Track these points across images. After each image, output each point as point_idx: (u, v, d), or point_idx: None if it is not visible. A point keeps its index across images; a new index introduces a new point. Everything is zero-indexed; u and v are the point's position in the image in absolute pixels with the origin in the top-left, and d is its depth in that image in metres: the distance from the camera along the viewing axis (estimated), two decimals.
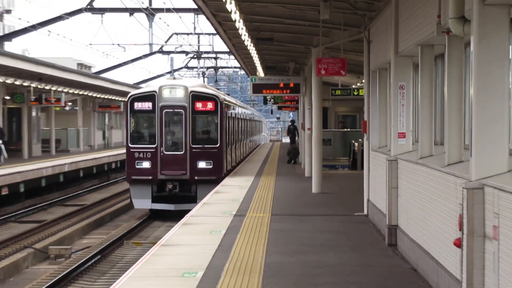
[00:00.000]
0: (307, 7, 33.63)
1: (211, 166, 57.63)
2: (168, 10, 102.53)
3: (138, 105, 56.47)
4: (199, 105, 57.85)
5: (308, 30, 40.53)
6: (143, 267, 22.53)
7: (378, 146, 31.96)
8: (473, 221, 15.08)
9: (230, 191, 47.17)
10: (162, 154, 56.31)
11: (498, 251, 14.15)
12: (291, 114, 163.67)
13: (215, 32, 64.83)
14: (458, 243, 15.68)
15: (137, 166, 56.12)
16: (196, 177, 56.72)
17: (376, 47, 32.00)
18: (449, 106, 18.94)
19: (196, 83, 65.43)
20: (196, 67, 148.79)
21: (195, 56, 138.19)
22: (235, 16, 37.05)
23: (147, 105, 57.97)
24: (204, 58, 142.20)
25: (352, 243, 26.58)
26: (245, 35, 46.14)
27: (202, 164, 57.83)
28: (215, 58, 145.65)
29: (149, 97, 58.20)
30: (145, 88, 62.51)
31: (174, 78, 65.20)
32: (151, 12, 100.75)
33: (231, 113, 72.31)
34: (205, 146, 58.02)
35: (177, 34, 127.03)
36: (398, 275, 21.36)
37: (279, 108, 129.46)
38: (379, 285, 20.36)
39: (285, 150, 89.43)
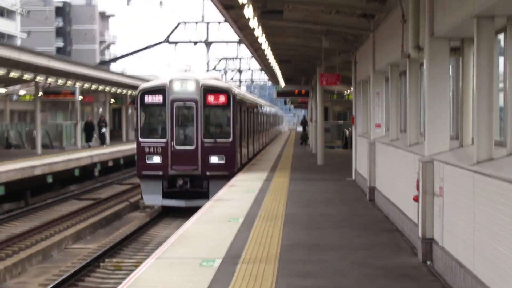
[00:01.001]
0: (313, 39, 33.74)
1: (223, 161, 41.30)
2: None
3: (148, 99, 42.13)
4: (210, 99, 41.93)
5: (314, 54, 40.52)
6: (201, 216, 22.39)
7: (362, 132, 32.01)
8: (425, 184, 15.22)
9: (261, 164, 46.15)
10: (173, 149, 40.94)
11: (442, 204, 14.33)
12: (303, 111, 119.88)
13: (251, 55, 62.79)
14: (416, 199, 15.85)
15: (147, 161, 41.29)
16: (208, 173, 40.83)
17: (360, 66, 32.06)
18: (410, 105, 19.00)
19: (208, 76, 48.08)
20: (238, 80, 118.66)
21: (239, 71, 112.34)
22: (264, 45, 37.23)
23: (158, 99, 42.43)
24: (241, 71, 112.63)
25: (344, 199, 26.65)
26: (271, 58, 46.56)
27: (214, 159, 41.46)
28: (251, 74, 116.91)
29: (160, 90, 42.43)
30: (156, 81, 46.01)
31: (186, 71, 47.14)
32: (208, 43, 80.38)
33: (247, 106, 54.09)
34: (217, 140, 41.40)
35: (226, 59, 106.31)
36: (375, 221, 21.42)
37: (295, 107, 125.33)
38: (362, 226, 20.46)
39: (298, 135, 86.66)
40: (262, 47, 39.18)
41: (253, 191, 29.08)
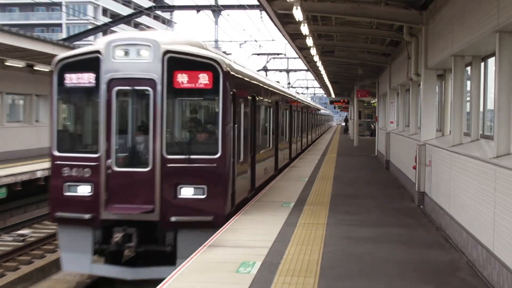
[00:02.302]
0: (352, 69, 33.28)
1: (203, 196, 12.30)
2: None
3: (70, 78, 12.47)
4: (182, 78, 12.37)
5: (352, 77, 39.55)
6: (283, 176, 21.77)
7: (381, 126, 31.64)
8: (420, 158, 15.14)
9: (319, 145, 43.58)
10: (110, 171, 12.14)
11: (430, 171, 14.27)
12: (345, 113, 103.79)
13: (313, 78, 58.66)
14: (414, 167, 15.74)
15: (67, 193, 12.31)
16: (173, 218, 12.04)
17: (381, 85, 31.73)
18: (411, 110, 18.92)
19: (178, 39, 13.62)
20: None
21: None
22: (323, 72, 37.08)
23: (86, 79, 12.51)
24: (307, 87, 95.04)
25: (370, 168, 26.11)
26: (327, 79, 46.10)
27: (186, 192, 12.35)
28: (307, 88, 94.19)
29: (88, 63, 12.52)
30: (85, 47, 13.45)
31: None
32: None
33: (268, 97, 20.25)
34: (193, 157, 12.36)
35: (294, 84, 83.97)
36: (389, 181, 21.22)
37: (340, 110, 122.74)
38: (381, 184, 20.18)
39: (343, 128, 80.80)
40: (321, 73, 39.17)
41: (314, 161, 28.46)
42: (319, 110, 64.83)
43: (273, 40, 53.03)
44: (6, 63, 24.58)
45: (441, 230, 12.25)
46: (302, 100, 36.84)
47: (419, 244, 10.95)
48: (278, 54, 49.85)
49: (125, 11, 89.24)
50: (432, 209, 13.84)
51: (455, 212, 11.27)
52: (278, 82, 34.53)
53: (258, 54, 48.30)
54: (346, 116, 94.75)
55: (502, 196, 8.17)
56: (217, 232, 11.50)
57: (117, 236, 11.84)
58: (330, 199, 16.24)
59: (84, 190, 12.29)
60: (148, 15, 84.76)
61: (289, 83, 71.25)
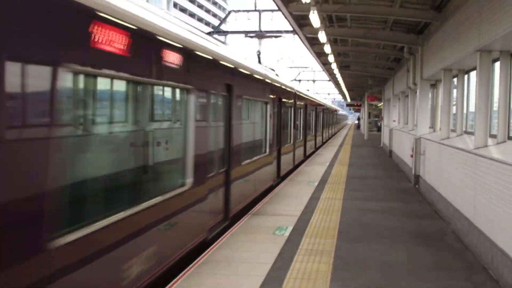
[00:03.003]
0: (364, 79, 32.96)
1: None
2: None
3: None
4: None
5: (364, 86, 39.04)
6: (310, 161, 21.96)
7: (386, 124, 31.34)
8: (417, 149, 15.05)
9: (336, 139, 43.41)
10: None
11: (424, 159, 14.15)
12: (358, 113, 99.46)
13: (334, 86, 57.86)
14: (412, 156, 15.64)
15: None
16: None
17: (386, 92, 31.39)
18: (410, 111, 18.71)
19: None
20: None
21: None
22: (341, 83, 36.76)
23: None
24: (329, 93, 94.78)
25: (377, 156, 25.77)
26: (344, 88, 45.67)
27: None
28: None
29: None
30: None
31: None
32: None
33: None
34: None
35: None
36: (392, 165, 20.98)
37: (354, 111, 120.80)
38: (386, 168, 19.84)
39: (355, 125, 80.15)
40: (340, 82, 38.91)
41: (333, 150, 28.31)
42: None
43: (302, 56, 55.17)
44: None
45: (432, 205, 12.17)
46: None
47: (414, 216, 10.90)
48: (306, 67, 51.41)
49: None
50: (425, 188, 13.73)
51: (443, 190, 11.18)
52: (308, 90, 34.55)
53: (291, 67, 51.54)
54: (358, 116, 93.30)
55: (481, 179, 8.12)
56: (259, 203, 11.56)
57: None
58: (346, 179, 16.20)
59: None
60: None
61: (307, 89, 71.45)
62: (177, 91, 6.51)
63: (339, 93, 70.93)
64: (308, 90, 35.76)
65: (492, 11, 8.01)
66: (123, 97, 5.25)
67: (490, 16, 8.07)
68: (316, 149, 28.90)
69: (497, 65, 8.73)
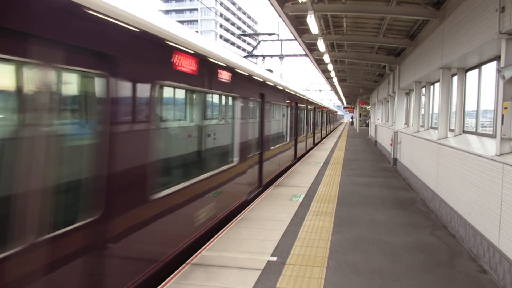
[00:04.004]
0: (356, 88, 32.34)
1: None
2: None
3: None
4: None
5: (356, 94, 38.31)
6: (316, 147, 21.81)
7: (372, 121, 30.70)
8: (394, 139, 14.78)
9: (338, 130, 42.79)
10: None
11: (400, 146, 13.89)
12: (351, 114, 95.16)
13: (334, 94, 57.28)
14: (391, 144, 15.36)
15: None
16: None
17: (372, 98, 30.67)
18: (390, 112, 18.32)
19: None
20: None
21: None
22: (340, 91, 36.08)
23: None
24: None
25: (366, 144, 25.22)
26: (342, 95, 44.71)
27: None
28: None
29: None
30: None
31: None
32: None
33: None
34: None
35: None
36: (376, 152, 20.48)
37: (349, 112, 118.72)
38: (372, 153, 19.37)
39: (350, 123, 79.12)
40: (339, 91, 38.27)
41: (333, 140, 27.87)
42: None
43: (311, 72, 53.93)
44: None
45: (405, 180, 11.95)
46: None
47: (392, 188, 10.73)
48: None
49: None
50: (401, 168, 13.47)
51: (414, 169, 10.97)
52: (321, 98, 34.82)
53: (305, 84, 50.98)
54: (351, 115, 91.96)
55: (442, 161, 7.94)
56: (280, 178, 11.52)
57: None
58: (343, 160, 16.00)
59: None
60: None
61: (316, 96, 70.72)
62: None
63: (338, 99, 69.98)
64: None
65: (451, 40, 7.80)
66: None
67: (450, 44, 7.86)
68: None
69: (455, 78, 8.52)
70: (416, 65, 11.53)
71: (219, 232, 6.27)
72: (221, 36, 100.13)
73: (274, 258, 5.26)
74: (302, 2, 8.69)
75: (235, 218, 7.10)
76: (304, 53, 18.66)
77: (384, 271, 5.02)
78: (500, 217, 5.01)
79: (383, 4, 9.39)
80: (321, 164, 14.95)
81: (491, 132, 6.69)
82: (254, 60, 27.23)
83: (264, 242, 5.91)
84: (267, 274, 4.74)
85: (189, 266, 4.88)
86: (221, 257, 5.19)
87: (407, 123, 14.94)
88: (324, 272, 4.88)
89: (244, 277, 4.63)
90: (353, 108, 67.16)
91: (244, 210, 7.68)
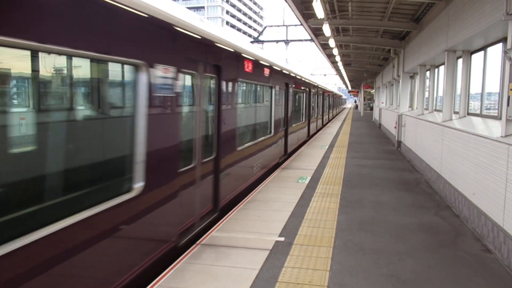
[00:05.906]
0: (361, 72, 32.08)
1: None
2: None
3: None
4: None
5: (361, 78, 37.99)
6: (321, 131, 21.64)
7: (377, 105, 30.46)
8: (399, 122, 14.66)
9: (343, 113, 42.43)
10: None
11: (404, 129, 13.78)
12: (356, 98, 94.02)
13: (339, 77, 56.76)
14: (395, 127, 15.28)
15: None
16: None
17: (377, 82, 30.35)
18: (394, 95, 18.15)
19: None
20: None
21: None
22: (345, 76, 35.81)
23: None
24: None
25: (370, 128, 25.10)
26: (346, 78, 44.34)
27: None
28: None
29: None
30: None
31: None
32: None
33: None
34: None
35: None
36: (381, 134, 20.37)
37: (353, 96, 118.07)
38: (376, 135, 19.28)
39: (354, 106, 77.74)
40: (344, 76, 37.95)
41: (339, 123, 27.64)
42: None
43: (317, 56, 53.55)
44: None
45: (410, 162, 11.87)
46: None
47: (397, 169, 10.67)
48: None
49: None
50: (405, 150, 13.37)
51: (419, 151, 10.88)
52: (326, 83, 35.28)
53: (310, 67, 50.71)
54: (355, 99, 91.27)
55: (446, 143, 7.84)
56: (286, 160, 11.54)
57: None
58: (348, 143, 15.93)
59: None
60: None
61: (324, 82, 70.18)
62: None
63: (343, 83, 69.41)
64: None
65: (456, 22, 7.60)
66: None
67: (455, 26, 7.67)
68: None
69: (460, 61, 8.34)
70: (421, 48, 11.32)
71: (228, 213, 6.35)
72: (227, 22, 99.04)
73: (282, 239, 5.24)
74: None
75: (244, 200, 7.13)
76: (310, 38, 18.43)
77: (389, 250, 5.01)
78: (505, 198, 4.94)
79: None
80: (327, 147, 14.88)
81: (495, 114, 6.57)
82: (260, 45, 27.01)
83: (272, 223, 5.91)
84: (275, 254, 4.75)
85: (199, 246, 4.90)
86: (230, 237, 5.20)
87: (411, 106, 14.77)
88: (331, 252, 4.84)
89: (252, 257, 4.64)
90: (358, 92, 66.73)
91: (252, 192, 7.68)
